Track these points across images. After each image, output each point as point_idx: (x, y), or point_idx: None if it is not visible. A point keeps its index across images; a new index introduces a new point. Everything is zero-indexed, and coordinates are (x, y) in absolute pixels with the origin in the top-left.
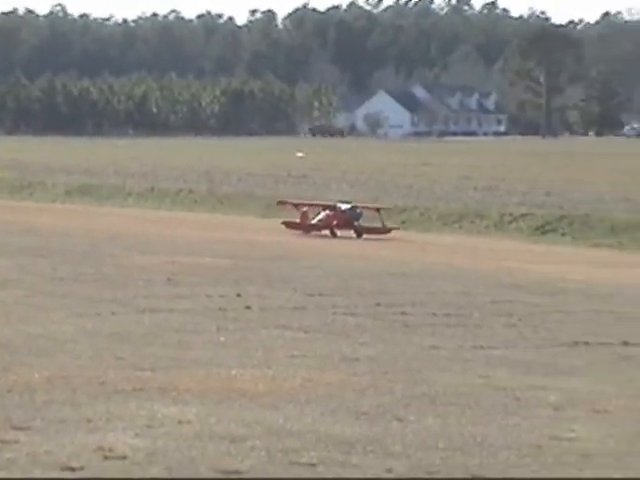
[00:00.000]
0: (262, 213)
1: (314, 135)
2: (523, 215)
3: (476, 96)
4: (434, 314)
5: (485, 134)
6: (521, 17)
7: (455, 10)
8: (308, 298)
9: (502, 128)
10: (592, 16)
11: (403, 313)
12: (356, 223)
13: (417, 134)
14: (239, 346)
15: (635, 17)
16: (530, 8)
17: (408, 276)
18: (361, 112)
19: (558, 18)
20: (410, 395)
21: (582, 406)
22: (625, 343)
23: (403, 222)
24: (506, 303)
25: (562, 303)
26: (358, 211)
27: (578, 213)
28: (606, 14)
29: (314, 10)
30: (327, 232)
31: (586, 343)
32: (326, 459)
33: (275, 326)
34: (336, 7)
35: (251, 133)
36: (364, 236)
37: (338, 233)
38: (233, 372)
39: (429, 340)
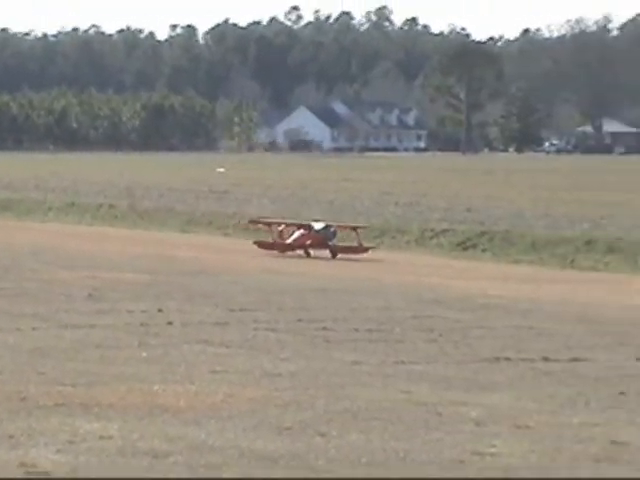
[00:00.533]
0: (182, 228)
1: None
2: (444, 231)
3: (396, 112)
4: (356, 329)
5: (405, 150)
6: (441, 33)
7: (375, 26)
8: (229, 313)
9: (422, 144)
10: (512, 33)
11: (324, 328)
12: (330, 243)
13: (338, 150)
14: (161, 361)
15: (554, 34)
16: (450, 24)
17: (329, 291)
18: (282, 128)
19: (478, 34)
20: (332, 410)
21: (503, 422)
22: (545, 359)
23: None
24: (427, 318)
25: (483, 319)
26: (332, 230)
27: (499, 229)
28: (526, 31)
29: (235, 25)
30: (302, 252)
31: (507, 359)
32: (249, 475)
33: (197, 341)
34: (257, 22)
35: (171, 148)
36: (339, 256)
37: (312, 253)
38: (155, 387)
39: (351, 356)
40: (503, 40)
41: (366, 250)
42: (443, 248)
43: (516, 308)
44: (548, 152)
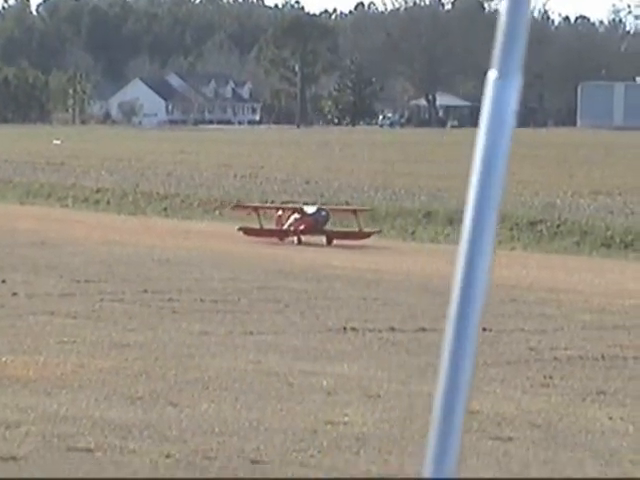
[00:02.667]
0: (21, 200)
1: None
2: (284, 202)
3: (231, 85)
4: (201, 300)
5: (240, 123)
6: (276, 6)
7: None
8: (74, 284)
9: (257, 117)
10: (346, 6)
11: (170, 300)
12: (324, 227)
13: (172, 122)
14: (8, 333)
15: (388, 7)
16: None
17: (172, 263)
18: (116, 100)
19: (312, 8)
20: (183, 380)
21: (354, 391)
22: (392, 329)
23: (164, 209)
24: (273, 289)
25: (328, 289)
26: (323, 214)
27: (338, 201)
28: (360, 4)
29: None
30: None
31: (354, 329)
32: (103, 444)
33: (43, 312)
34: None
35: (5, 120)
36: (335, 242)
37: (303, 239)
38: (3, 359)
39: (198, 326)
40: (337, 13)
41: (367, 235)
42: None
43: (360, 279)
44: (382, 125)
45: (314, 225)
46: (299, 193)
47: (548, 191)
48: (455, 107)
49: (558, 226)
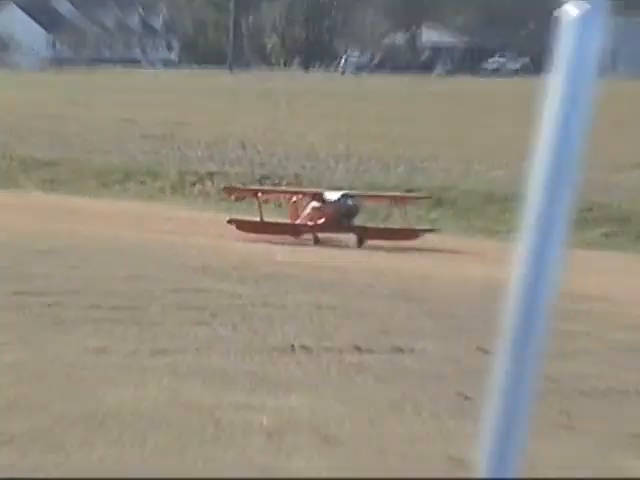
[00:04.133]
0: None
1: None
2: (211, 174)
3: (139, 12)
4: (97, 306)
5: (151, 64)
6: None
7: None
8: None
9: (174, 56)
10: None
11: (54, 304)
12: (350, 221)
13: (58, 62)
14: None
15: None
16: None
17: (58, 254)
18: None
19: None
20: (71, 416)
21: (304, 432)
22: (357, 348)
23: (48, 181)
24: (195, 293)
25: (271, 294)
26: (349, 203)
27: (286, 173)
28: None
29: None
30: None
31: (305, 348)
32: None
33: None
34: None
35: None
36: (368, 242)
37: (321, 237)
38: None
39: (92, 341)
40: None
41: (416, 235)
42: (210, 197)
43: (315, 280)
44: (344, 71)
45: (336, 218)
46: (231, 162)
47: None
48: (446, 46)
49: (587, 211)
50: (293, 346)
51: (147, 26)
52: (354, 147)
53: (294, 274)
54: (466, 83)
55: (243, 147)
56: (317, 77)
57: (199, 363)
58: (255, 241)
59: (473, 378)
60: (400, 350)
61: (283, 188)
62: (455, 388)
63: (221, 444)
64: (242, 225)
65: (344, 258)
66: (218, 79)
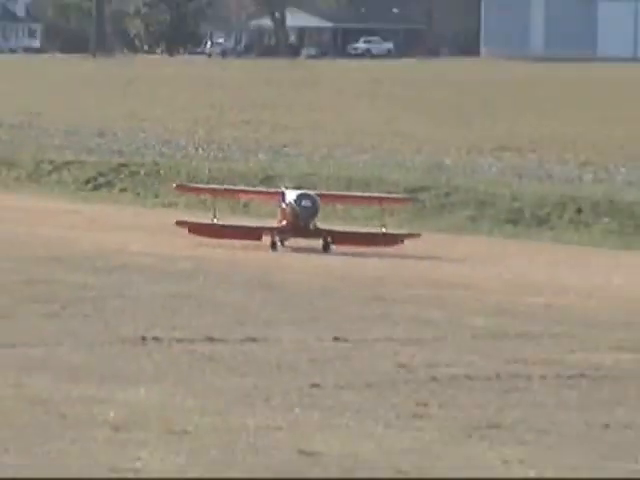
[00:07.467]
0: None
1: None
2: (68, 163)
3: None
4: None
5: (12, 50)
6: None
7: None
8: None
9: (37, 42)
10: None
11: None
12: (311, 225)
13: None
14: None
15: None
16: None
17: None
18: None
19: None
20: None
21: (152, 425)
22: (210, 339)
23: None
24: (45, 284)
25: (123, 285)
26: (305, 203)
27: (144, 161)
28: None
29: None
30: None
31: (156, 339)
32: None
33: None
34: None
35: None
36: (334, 248)
37: (285, 243)
38: None
39: None
40: None
41: (398, 240)
42: (67, 187)
43: (168, 270)
44: (210, 55)
45: (293, 221)
46: (88, 150)
47: (434, 147)
48: (313, 29)
49: (447, 195)
50: (144, 337)
51: (7, 12)
52: (215, 133)
53: (148, 264)
54: (333, 67)
55: (101, 135)
56: (182, 62)
57: (47, 356)
58: (107, 230)
59: (326, 368)
60: (254, 340)
61: (241, 187)
62: (308, 379)
63: (66, 439)
64: (195, 228)
65: (199, 249)
66: (80, 66)
